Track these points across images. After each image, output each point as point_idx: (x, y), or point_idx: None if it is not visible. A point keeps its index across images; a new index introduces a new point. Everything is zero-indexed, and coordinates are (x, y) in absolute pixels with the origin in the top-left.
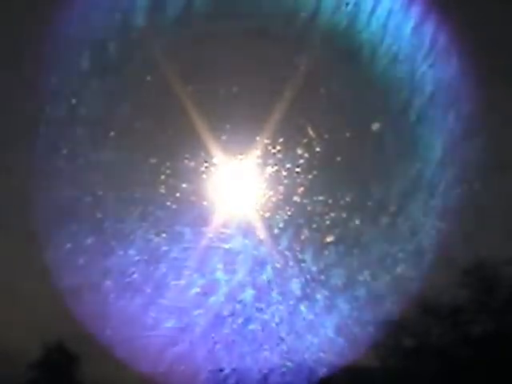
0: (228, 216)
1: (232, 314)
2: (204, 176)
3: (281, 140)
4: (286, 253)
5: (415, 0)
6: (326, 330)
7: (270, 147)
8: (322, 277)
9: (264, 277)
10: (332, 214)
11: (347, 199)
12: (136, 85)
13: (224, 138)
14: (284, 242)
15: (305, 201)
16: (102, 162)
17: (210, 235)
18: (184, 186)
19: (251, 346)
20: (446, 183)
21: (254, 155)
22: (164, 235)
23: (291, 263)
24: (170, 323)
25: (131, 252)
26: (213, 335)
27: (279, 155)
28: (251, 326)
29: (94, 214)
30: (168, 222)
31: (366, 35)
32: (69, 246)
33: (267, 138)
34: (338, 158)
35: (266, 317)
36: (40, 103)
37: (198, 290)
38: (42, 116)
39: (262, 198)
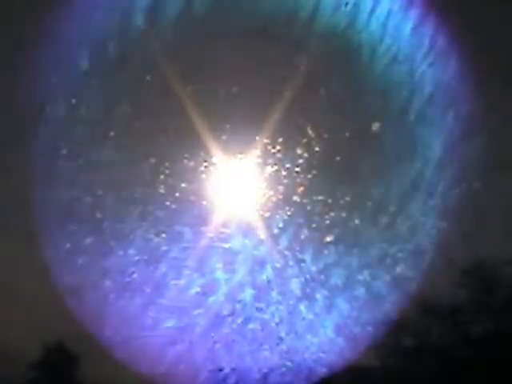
0: (228, 216)
1: (232, 314)
2: (204, 176)
3: (280, 140)
4: (286, 253)
5: (415, 0)
6: (325, 329)
7: (269, 147)
8: (322, 277)
9: (264, 277)
10: (332, 214)
11: (347, 199)
12: (136, 85)
13: (224, 137)
14: (284, 242)
15: (305, 201)
16: (102, 162)
17: (210, 235)
18: (183, 185)
19: (251, 346)
20: (445, 183)
21: (253, 155)
22: (164, 235)
23: (291, 263)
24: (169, 323)
25: (131, 252)
26: (213, 335)
27: (279, 155)
28: (251, 326)
29: (93, 214)
30: (168, 221)
31: (365, 35)
32: (69, 245)
33: (267, 138)
34: (338, 158)
35: (265, 316)
36: (40, 103)
37: (197, 289)
38: (41, 116)
39: (261, 197)
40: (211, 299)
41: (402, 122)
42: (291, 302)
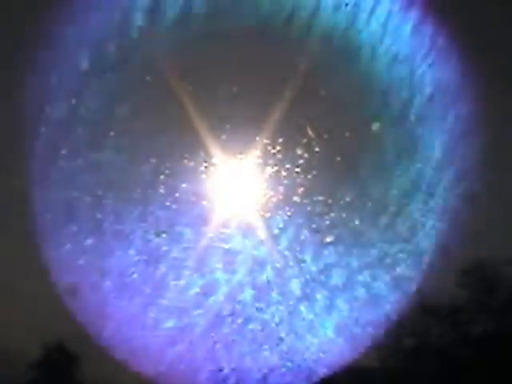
0: (228, 216)
1: (232, 314)
2: (204, 176)
3: (280, 140)
4: (286, 253)
5: (415, 0)
6: (325, 330)
7: (269, 147)
8: (322, 277)
9: (264, 277)
10: (332, 214)
11: (347, 199)
12: (136, 85)
13: (224, 137)
14: (284, 243)
15: (305, 201)
16: (102, 162)
17: (210, 235)
18: (184, 185)
19: (251, 346)
20: (445, 183)
21: (253, 155)
22: (164, 235)
23: (291, 263)
24: (169, 323)
25: (131, 252)
26: (213, 335)
27: (279, 155)
28: (251, 326)
29: (93, 214)
30: (168, 222)
31: (365, 35)
32: (68, 245)
33: (267, 138)
34: (338, 158)
35: (265, 317)
36: (40, 103)
37: (197, 290)
38: (42, 116)
39: (262, 198)
40: (211, 299)
41: (402, 121)
42: (291, 303)
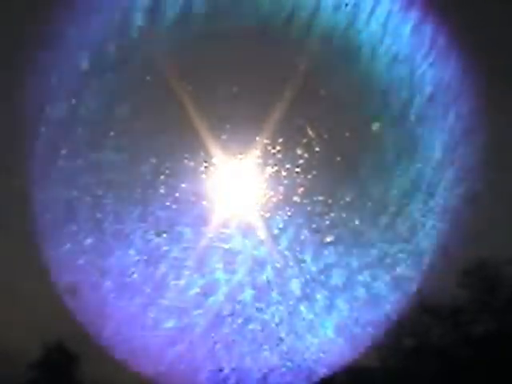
0: (228, 216)
1: (232, 314)
2: (204, 176)
3: (280, 140)
4: (286, 253)
5: (415, 0)
6: (326, 330)
7: (269, 147)
8: (322, 277)
9: (264, 277)
10: (332, 214)
11: (347, 199)
12: (136, 85)
13: (224, 137)
14: (284, 243)
15: (305, 201)
16: (102, 162)
17: (210, 235)
18: (184, 185)
19: (251, 346)
20: (446, 183)
21: (253, 155)
22: (164, 235)
23: (291, 263)
24: (169, 323)
25: (131, 252)
26: (213, 335)
27: (279, 155)
28: (251, 326)
29: (93, 214)
30: (168, 222)
31: (365, 35)
32: (68, 245)
33: (267, 138)
34: (338, 158)
35: (265, 317)
36: (40, 103)
37: (197, 290)
38: (42, 116)
39: (262, 198)
40: (211, 299)
41: (402, 121)
42: (291, 303)
